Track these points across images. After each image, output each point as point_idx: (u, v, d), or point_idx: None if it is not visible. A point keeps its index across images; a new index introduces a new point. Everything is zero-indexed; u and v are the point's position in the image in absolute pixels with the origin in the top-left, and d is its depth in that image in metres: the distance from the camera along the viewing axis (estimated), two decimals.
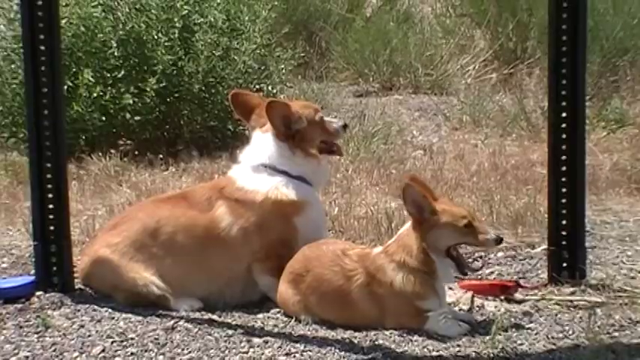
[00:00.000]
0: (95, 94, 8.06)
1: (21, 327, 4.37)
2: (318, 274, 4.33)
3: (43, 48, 4.71)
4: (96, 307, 4.60)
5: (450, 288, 4.55)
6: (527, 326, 4.25)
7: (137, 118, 8.25)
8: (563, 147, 4.76)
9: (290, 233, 4.68)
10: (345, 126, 4.98)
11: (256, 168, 4.77)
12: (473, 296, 4.56)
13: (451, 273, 4.29)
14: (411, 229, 4.24)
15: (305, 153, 4.79)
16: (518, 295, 4.62)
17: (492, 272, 5.08)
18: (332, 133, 4.90)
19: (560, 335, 4.14)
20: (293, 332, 4.25)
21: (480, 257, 5.25)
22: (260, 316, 4.51)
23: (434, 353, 3.96)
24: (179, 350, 4.06)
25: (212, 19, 8.66)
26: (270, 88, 8.96)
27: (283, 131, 4.76)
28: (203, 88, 8.53)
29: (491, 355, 3.93)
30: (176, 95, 8.51)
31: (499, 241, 4.23)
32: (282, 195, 4.68)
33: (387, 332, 4.16)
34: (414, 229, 4.22)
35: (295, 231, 4.69)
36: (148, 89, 8.16)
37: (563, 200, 4.78)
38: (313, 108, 4.93)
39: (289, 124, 4.75)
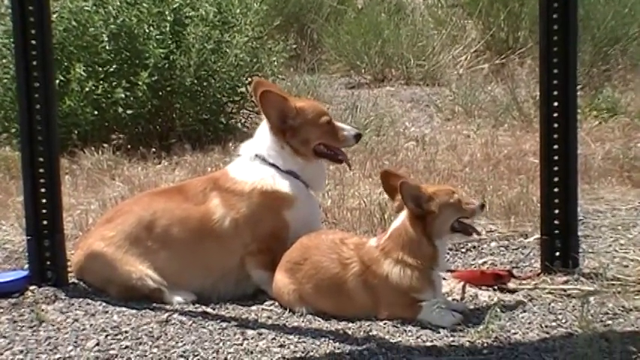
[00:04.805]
0: (87, 89, 8.06)
1: (15, 321, 4.37)
2: (316, 261, 4.34)
3: (34, 42, 4.70)
4: (90, 300, 4.61)
5: (444, 278, 4.55)
6: (520, 315, 4.26)
7: (129, 112, 8.24)
8: (556, 136, 4.76)
9: (280, 227, 4.66)
10: (357, 135, 4.83)
11: (250, 159, 4.77)
12: (464, 285, 4.58)
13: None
14: (409, 224, 4.23)
15: (294, 150, 4.73)
16: (511, 285, 4.63)
17: (485, 262, 5.09)
18: (339, 140, 4.78)
19: (554, 324, 4.15)
20: (287, 324, 4.26)
21: (474, 247, 5.26)
22: (254, 308, 4.51)
23: (428, 343, 3.97)
24: (173, 343, 4.06)
25: (203, 12, 8.65)
26: None
27: (277, 124, 4.72)
28: (195, 81, 8.51)
29: (485, 344, 3.94)
30: (168, 89, 8.51)
31: (483, 206, 4.36)
32: (269, 186, 4.66)
33: (381, 323, 4.17)
34: (414, 224, 4.22)
35: (286, 225, 4.67)
36: (140, 83, 8.14)
37: (556, 189, 4.79)
38: (319, 110, 4.81)
39: (285, 119, 4.71)
